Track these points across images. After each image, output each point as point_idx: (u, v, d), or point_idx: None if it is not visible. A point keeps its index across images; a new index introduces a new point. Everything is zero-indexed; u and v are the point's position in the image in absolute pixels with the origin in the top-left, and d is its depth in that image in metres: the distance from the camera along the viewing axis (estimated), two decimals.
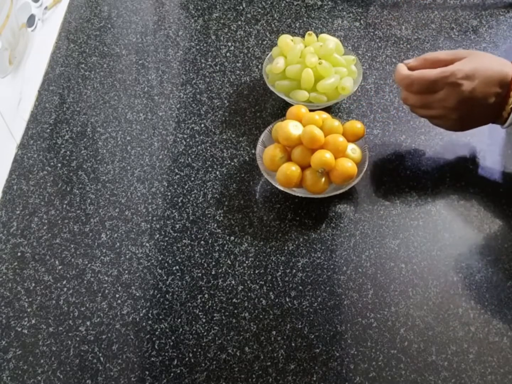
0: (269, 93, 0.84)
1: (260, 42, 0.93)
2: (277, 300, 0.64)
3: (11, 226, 0.70)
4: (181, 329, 0.62)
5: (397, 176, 0.75)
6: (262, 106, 0.83)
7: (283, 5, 0.99)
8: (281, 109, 0.82)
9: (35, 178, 0.75)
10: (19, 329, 0.62)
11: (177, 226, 0.70)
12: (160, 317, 0.63)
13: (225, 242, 0.69)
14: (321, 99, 0.78)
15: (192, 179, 0.75)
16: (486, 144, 0.78)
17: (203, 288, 0.65)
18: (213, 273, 0.66)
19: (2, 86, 0.75)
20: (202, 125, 0.81)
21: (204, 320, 0.62)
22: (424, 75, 0.66)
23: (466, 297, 0.64)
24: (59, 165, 0.77)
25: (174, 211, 0.72)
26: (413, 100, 0.69)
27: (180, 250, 0.68)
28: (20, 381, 0.59)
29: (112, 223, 0.70)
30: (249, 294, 0.64)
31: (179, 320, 0.63)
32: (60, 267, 0.67)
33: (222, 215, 0.71)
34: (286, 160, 0.71)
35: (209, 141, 0.79)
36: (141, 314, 0.63)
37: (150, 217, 0.71)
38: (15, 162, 0.77)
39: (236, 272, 0.66)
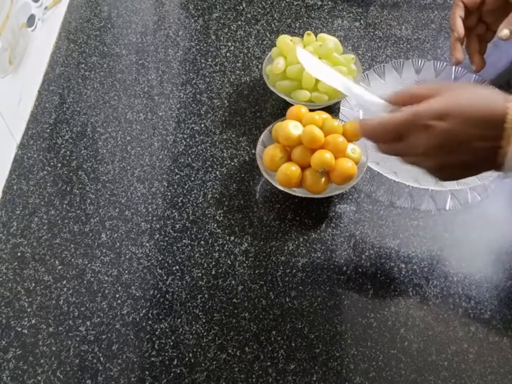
0: (269, 93, 0.84)
1: (260, 42, 0.93)
2: (277, 300, 0.64)
3: (11, 226, 0.70)
4: (181, 329, 0.62)
5: None
6: (262, 106, 0.83)
7: (283, 5, 0.99)
8: (281, 109, 0.82)
9: (35, 178, 0.75)
10: (19, 329, 0.62)
11: (177, 226, 0.70)
12: (160, 317, 0.63)
13: (225, 242, 0.69)
14: (322, 98, 0.78)
15: (192, 179, 0.75)
16: None
17: (203, 288, 0.65)
18: (213, 273, 0.66)
19: (2, 86, 0.75)
20: (202, 125, 0.81)
21: (204, 320, 0.62)
22: (384, 122, 0.55)
23: (466, 297, 0.64)
24: (59, 165, 0.77)
25: (174, 211, 0.72)
26: (384, 149, 0.57)
27: (180, 250, 0.68)
28: (20, 381, 0.59)
29: (112, 223, 0.70)
30: (249, 294, 0.64)
31: (179, 320, 0.63)
32: (60, 267, 0.67)
33: (222, 215, 0.71)
34: (286, 160, 0.71)
35: (209, 141, 0.79)
36: (141, 314, 0.63)
37: (150, 217, 0.71)
38: (15, 162, 0.77)
39: (236, 272, 0.66)
